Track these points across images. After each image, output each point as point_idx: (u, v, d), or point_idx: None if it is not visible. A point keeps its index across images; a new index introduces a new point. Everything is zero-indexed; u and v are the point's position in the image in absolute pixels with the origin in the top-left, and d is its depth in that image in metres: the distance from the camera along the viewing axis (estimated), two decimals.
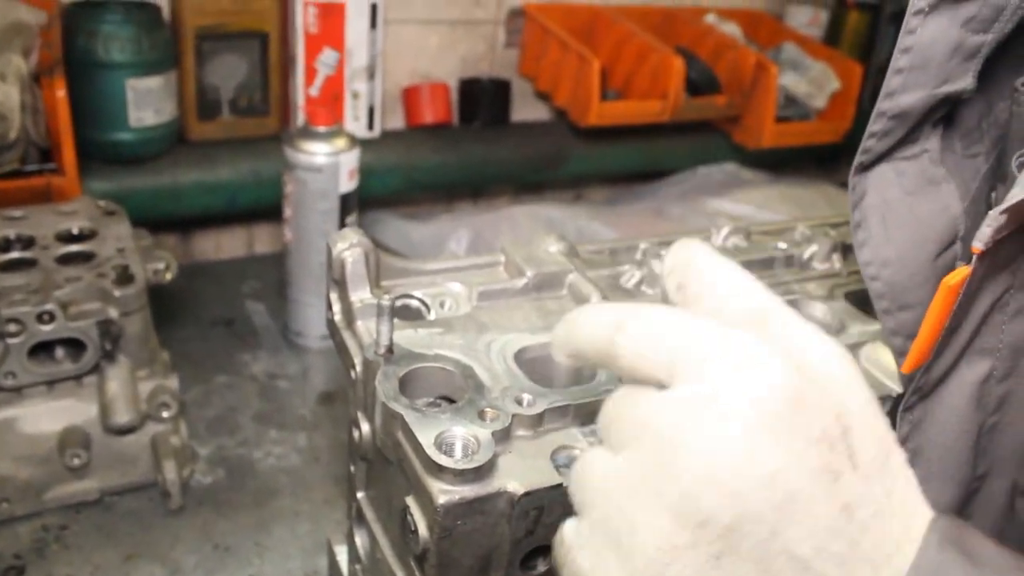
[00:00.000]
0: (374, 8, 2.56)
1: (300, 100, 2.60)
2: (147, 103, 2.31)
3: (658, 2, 3.28)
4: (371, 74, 2.63)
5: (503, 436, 0.96)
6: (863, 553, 0.54)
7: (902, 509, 0.56)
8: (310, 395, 2.10)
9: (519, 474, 0.93)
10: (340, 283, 1.15)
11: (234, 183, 2.53)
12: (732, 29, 3.26)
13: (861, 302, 1.39)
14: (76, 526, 1.67)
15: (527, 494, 0.92)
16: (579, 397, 1.01)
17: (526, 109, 3.13)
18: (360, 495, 1.21)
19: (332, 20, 2.53)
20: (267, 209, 2.50)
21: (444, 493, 0.89)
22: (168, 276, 1.82)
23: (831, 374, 0.58)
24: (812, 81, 3.33)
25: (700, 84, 2.94)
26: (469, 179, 2.95)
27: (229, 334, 2.33)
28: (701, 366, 0.57)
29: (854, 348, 1.23)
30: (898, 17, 3.35)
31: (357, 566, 1.24)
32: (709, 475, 0.53)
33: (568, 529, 0.70)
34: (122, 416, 1.68)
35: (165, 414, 1.74)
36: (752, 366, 0.56)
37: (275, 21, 2.50)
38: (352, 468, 1.21)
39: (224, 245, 2.89)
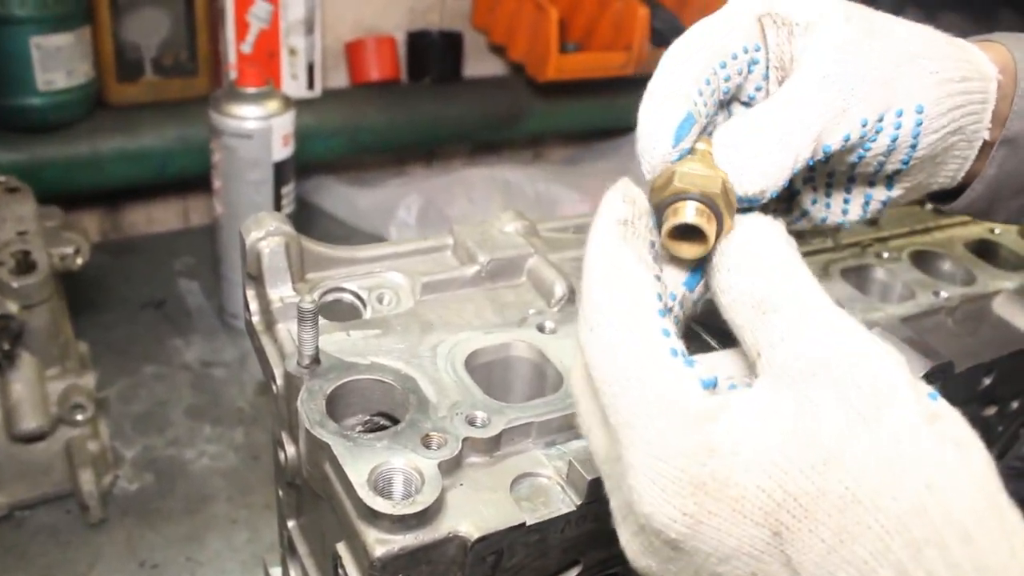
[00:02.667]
0: None
1: (232, 58, 2.38)
2: (56, 63, 2.08)
3: None
4: (309, 28, 2.41)
5: (452, 466, 0.79)
6: None
7: None
8: (249, 384, 1.91)
9: (473, 512, 0.76)
10: (257, 278, 0.96)
11: (162, 150, 2.31)
12: None
13: (857, 282, 1.24)
14: None
15: (482, 539, 0.75)
16: (542, 412, 0.84)
17: (480, 63, 2.93)
18: (291, 524, 1.04)
19: None
20: (202, 177, 2.28)
21: (381, 543, 0.72)
22: (79, 261, 1.62)
23: (764, 462, 0.51)
24: None
25: (666, 34, 2.77)
26: (420, 140, 2.75)
27: (159, 317, 2.13)
28: (620, 446, 0.56)
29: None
30: None
31: None
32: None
33: None
34: (29, 422, 1.49)
35: (80, 416, 1.55)
36: (648, 485, 0.53)
37: None
38: (280, 493, 1.03)
39: (157, 218, 2.67)
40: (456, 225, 1.07)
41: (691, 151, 0.68)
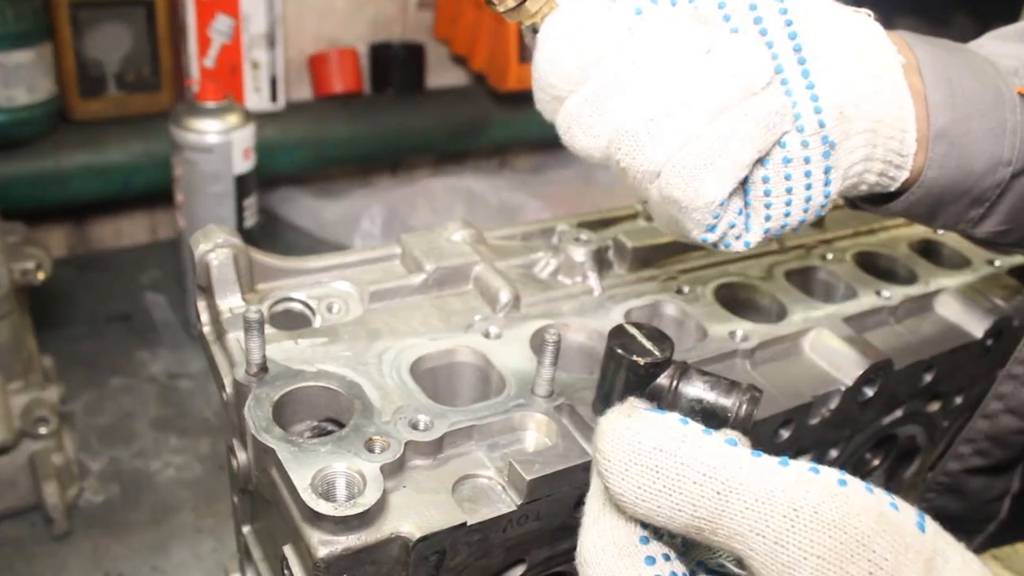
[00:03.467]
0: None
1: (194, 72, 2.40)
2: (17, 79, 2.09)
3: None
4: (271, 41, 2.43)
5: (395, 468, 0.81)
6: None
7: None
8: (214, 395, 1.93)
9: (415, 513, 0.78)
10: (206, 289, 0.98)
11: (126, 165, 2.32)
12: None
13: (801, 283, 1.27)
14: None
15: (424, 538, 0.77)
16: (484, 415, 0.86)
17: (442, 74, 2.96)
18: (246, 529, 1.06)
19: None
20: (168, 191, 2.29)
21: (324, 544, 0.74)
22: (41, 276, 1.63)
23: None
24: None
25: None
26: (384, 151, 2.77)
27: (126, 330, 2.14)
28: None
29: (798, 336, 1.10)
30: None
31: None
32: None
33: None
34: None
35: (43, 430, 1.56)
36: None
37: None
38: (235, 499, 1.05)
39: (124, 231, 2.68)
40: (404, 234, 1.09)
41: None
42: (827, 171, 0.75)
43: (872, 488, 0.55)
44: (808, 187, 0.75)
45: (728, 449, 0.56)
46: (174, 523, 1.58)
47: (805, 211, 0.76)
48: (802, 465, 0.56)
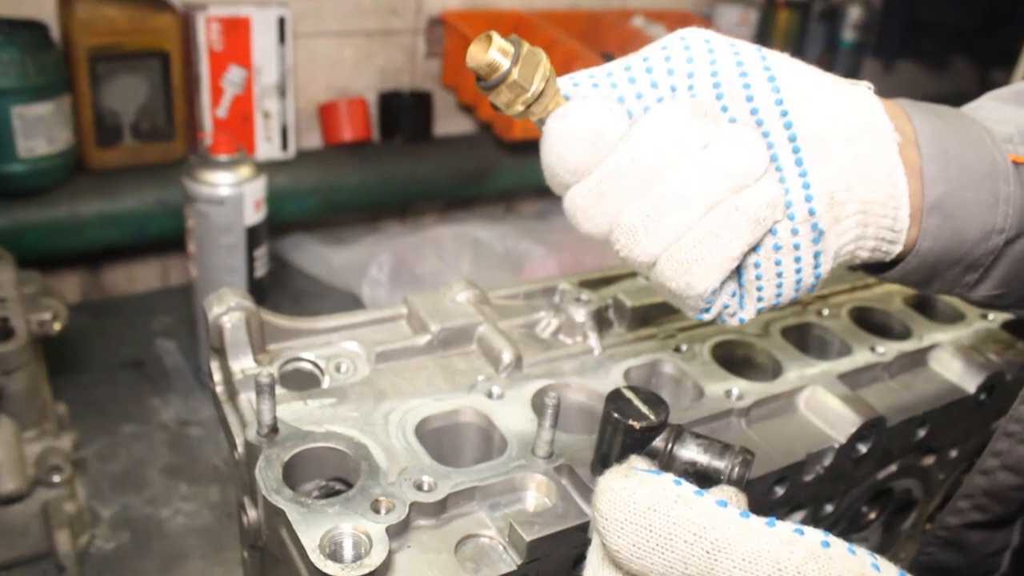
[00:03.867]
0: (282, 21, 2.42)
1: (207, 122, 2.46)
2: (37, 131, 2.15)
3: (584, 5, 3.19)
4: (282, 91, 2.49)
5: (400, 529, 0.84)
6: None
7: None
8: (223, 443, 1.96)
9: (419, 573, 0.82)
10: (219, 351, 1.02)
11: (140, 213, 2.37)
12: (659, 31, 3.19)
13: (797, 340, 1.30)
14: None
15: None
16: (487, 477, 0.90)
17: (450, 122, 3.02)
18: None
19: (237, 36, 2.38)
20: (181, 238, 2.34)
21: None
22: (57, 326, 1.67)
23: None
24: None
25: None
26: (393, 198, 2.82)
27: (138, 377, 2.18)
28: None
29: (793, 393, 1.13)
30: (827, 15, 3.27)
31: None
32: None
33: None
34: (6, 484, 1.53)
35: (57, 478, 1.59)
36: None
37: (176, 39, 2.34)
38: (245, 554, 1.08)
39: (137, 277, 2.73)
40: (410, 296, 1.13)
41: None
42: (816, 255, 0.78)
43: (855, 549, 0.59)
44: (798, 271, 0.78)
45: (718, 510, 0.60)
46: (184, 571, 1.61)
47: (796, 291, 0.80)
48: (788, 526, 0.59)
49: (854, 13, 3.78)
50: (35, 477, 1.57)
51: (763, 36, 3.54)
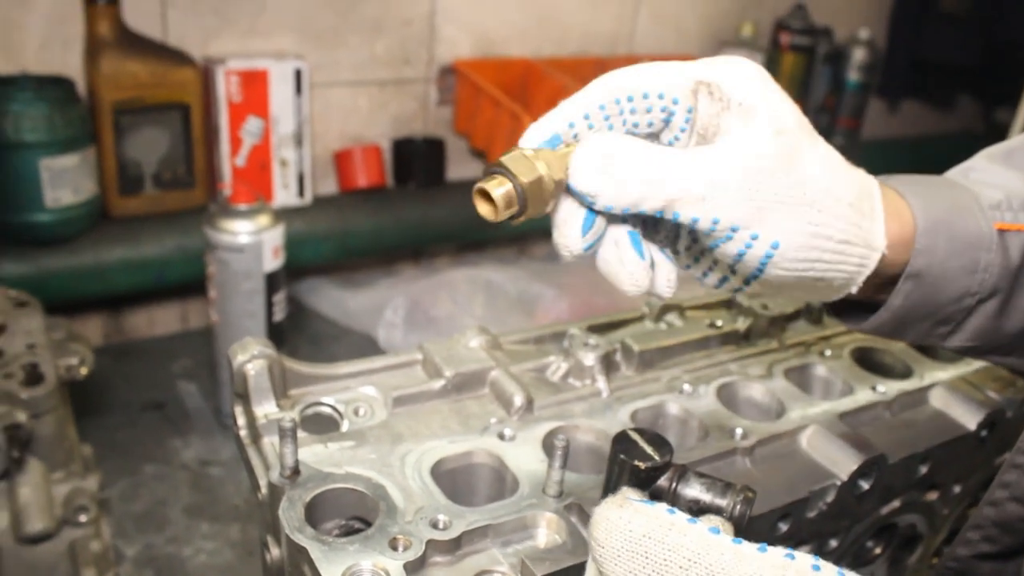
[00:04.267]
0: (298, 73, 2.50)
1: (226, 171, 2.53)
2: (64, 182, 2.23)
3: (591, 52, 3.26)
4: (299, 140, 2.57)
5: (417, 566, 0.88)
6: None
7: None
8: (244, 482, 2.01)
9: None
10: (243, 396, 1.07)
11: (161, 259, 2.44)
12: None
13: (800, 380, 1.34)
14: None
15: None
16: (499, 515, 0.94)
17: (462, 166, 3.09)
18: None
19: (255, 88, 2.46)
20: (199, 282, 2.40)
21: None
22: (84, 371, 1.72)
23: None
24: None
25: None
26: (407, 242, 2.89)
27: (160, 419, 2.23)
28: None
29: (796, 432, 1.17)
30: (833, 57, 3.32)
31: None
32: None
33: None
34: (35, 524, 1.58)
35: (83, 518, 1.64)
36: None
37: (196, 92, 2.42)
38: None
39: (157, 321, 2.79)
40: (425, 343, 1.18)
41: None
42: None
43: (845, 573, 0.63)
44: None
45: (712, 537, 0.64)
46: None
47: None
48: (779, 551, 0.64)
49: (859, 54, 3.83)
50: (62, 517, 1.62)
51: None
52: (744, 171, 0.74)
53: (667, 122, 0.78)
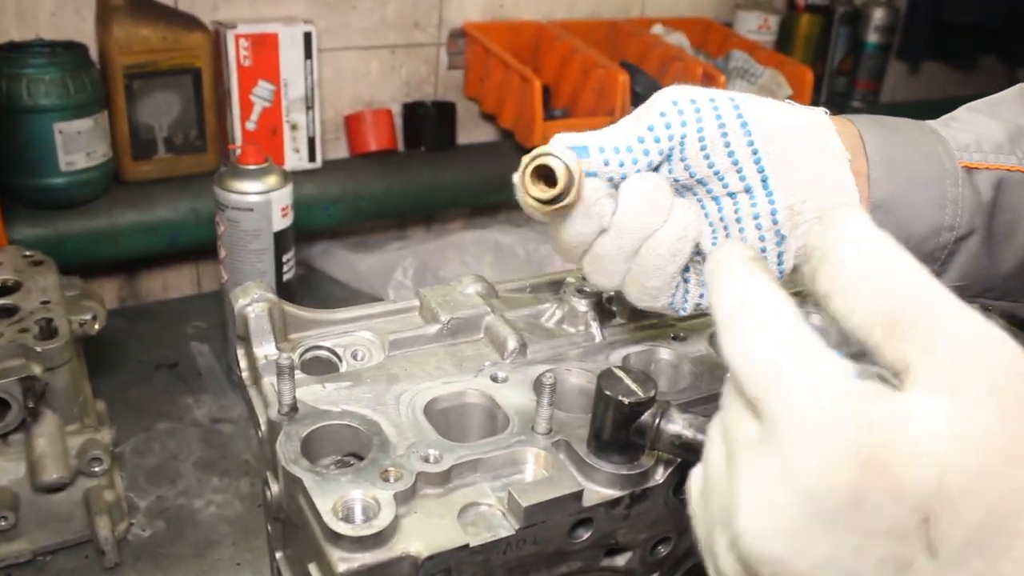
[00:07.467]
0: (308, 37, 2.52)
1: (237, 134, 2.56)
2: (78, 146, 2.26)
3: (603, 14, 3.26)
4: (309, 104, 2.59)
5: (407, 496, 0.92)
6: None
7: None
8: (254, 439, 2.05)
9: (424, 535, 0.89)
10: (244, 339, 1.10)
11: (174, 222, 2.48)
12: (679, 39, 3.24)
13: None
14: None
15: (431, 557, 0.88)
16: (488, 450, 0.97)
17: (473, 131, 3.10)
18: (279, 555, 1.17)
19: (265, 52, 2.48)
20: (212, 246, 2.44)
21: (343, 561, 0.85)
22: (96, 327, 1.76)
23: (928, 448, 0.50)
24: (762, 88, 3.30)
25: (647, 98, 2.90)
26: (418, 205, 2.91)
27: (172, 377, 2.27)
28: (775, 425, 0.55)
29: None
30: (851, 18, 3.30)
31: None
32: (758, 553, 0.53)
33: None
34: (51, 474, 1.62)
35: (97, 468, 1.68)
36: (810, 454, 0.52)
37: (207, 56, 2.45)
38: (269, 527, 1.16)
39: (171, 284, 2.83)
40: (422, 288, 1.21)
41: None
42: (780, 255, 0.94)
43: None
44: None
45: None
46: (215, 557, 1.69)
47: None
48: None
49: (878, 15, 3.77)
50: (77, 467, 1.66)
51: (785, 40, 3.56)
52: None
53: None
